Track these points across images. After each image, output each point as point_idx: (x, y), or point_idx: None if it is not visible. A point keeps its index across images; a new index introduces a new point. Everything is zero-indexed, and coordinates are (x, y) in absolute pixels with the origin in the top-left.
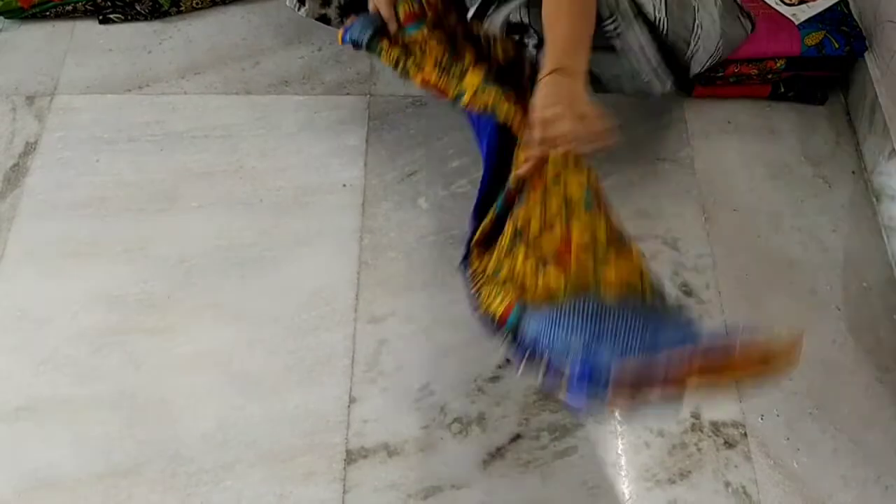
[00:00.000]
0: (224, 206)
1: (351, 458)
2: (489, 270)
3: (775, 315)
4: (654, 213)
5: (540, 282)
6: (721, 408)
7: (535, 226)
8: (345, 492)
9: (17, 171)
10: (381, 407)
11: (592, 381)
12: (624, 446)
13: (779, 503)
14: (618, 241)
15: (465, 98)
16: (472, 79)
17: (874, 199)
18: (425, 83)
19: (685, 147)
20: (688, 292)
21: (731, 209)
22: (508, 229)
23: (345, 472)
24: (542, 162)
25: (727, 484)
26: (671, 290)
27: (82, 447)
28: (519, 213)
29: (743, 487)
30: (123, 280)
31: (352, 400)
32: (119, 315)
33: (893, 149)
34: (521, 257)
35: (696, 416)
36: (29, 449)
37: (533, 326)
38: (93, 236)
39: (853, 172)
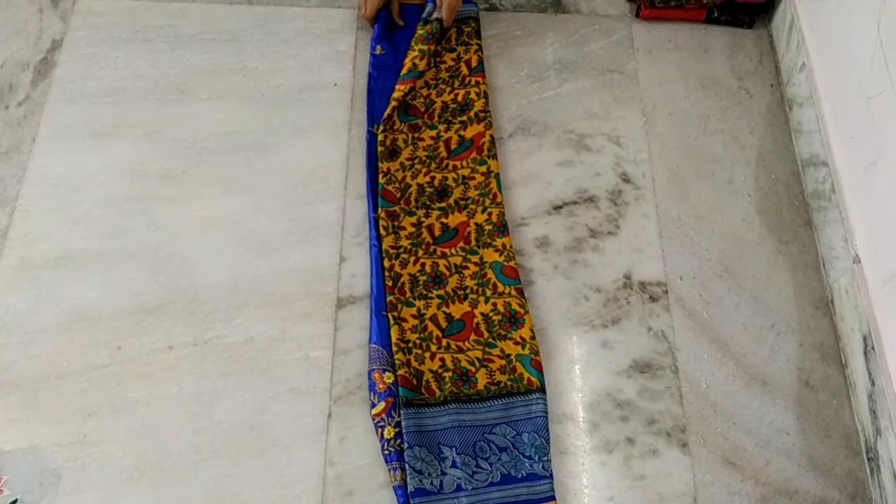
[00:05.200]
0: (230, 98)
1: (341, 304)
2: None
3: (697, 199)
4: (602, 115)
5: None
6: (648, 270)
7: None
8: (336, 329)
9: (46, 64)
10: (367, 265)
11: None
12: (568, 300)
13: (689, 343)
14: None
15: None
16: None
17: (787, 108)
18: None
19: (631, 61)
20: (626, 180)
21: (667, 113)
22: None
23: (336, 314)
24: None
25: (649, 328)
26: (613, 179)
27: (113, 290)
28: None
29: (662, 331)
30: (144, 157)
31: (342, 259)
32: (141, 185)
33: (804, 63)
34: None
35: (627, 276)
36: (67, 290)
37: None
38: (116, 120)
39: (771, 85)
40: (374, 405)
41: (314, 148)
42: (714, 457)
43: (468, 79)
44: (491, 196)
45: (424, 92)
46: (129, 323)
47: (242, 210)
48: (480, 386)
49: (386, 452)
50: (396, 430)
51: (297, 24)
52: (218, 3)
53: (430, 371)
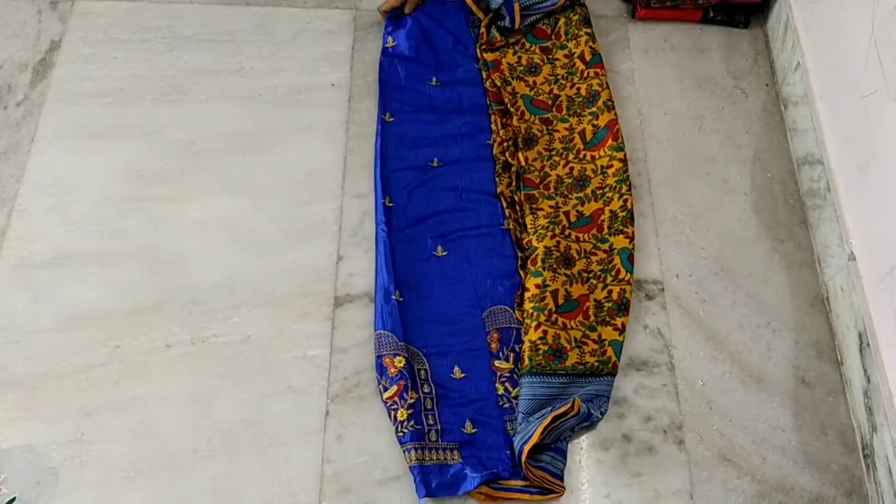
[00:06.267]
0: (228, 99)
1: (339, 302)
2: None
3: (693, 198)
4: None
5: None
6: (645, 269)
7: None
8: (333, 328)
9: (45, 65)
10: (364, 264)
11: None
12: None
13: (685, 341)
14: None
15: None
16: None
17: (782, 107)
18: None
19: (627, 61)
20: None
21: (663, 113)
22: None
23: (333, 313)
24: None
25: (646, 326)
26: None
27: (111, 289)
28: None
29: (658, 329)
30: (142, 157)
31: (339, 258)
32: (139, 186)
33: (799, 62)
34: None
35: None
36: (65, 290)
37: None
38: (113, 121)
39: (767, 85)
40: (385, 389)
41: (312, 148)
42: (710, 454)
43: (586, 72)
44: (628, 183)
45: (546, 88)
46: (126, 322)
47: (240, 210)
48: (568, 363)
49: (400, 434)
50: (409, 411)
51: (295, 25)
52: (215, 4)
53: (529, 341)
